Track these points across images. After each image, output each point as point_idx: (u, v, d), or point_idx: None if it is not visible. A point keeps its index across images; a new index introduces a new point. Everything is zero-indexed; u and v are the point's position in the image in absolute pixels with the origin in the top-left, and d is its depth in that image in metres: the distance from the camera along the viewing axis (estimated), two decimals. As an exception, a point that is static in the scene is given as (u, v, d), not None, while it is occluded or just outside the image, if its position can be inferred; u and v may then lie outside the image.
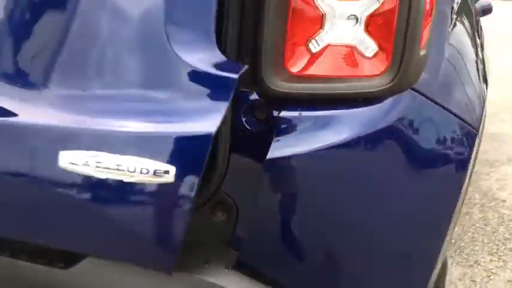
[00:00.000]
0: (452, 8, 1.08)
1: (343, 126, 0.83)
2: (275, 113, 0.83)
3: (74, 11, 0.81)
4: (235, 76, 0.76)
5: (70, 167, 0.77)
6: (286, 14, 0.79)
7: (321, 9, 0.80)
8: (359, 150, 0.84)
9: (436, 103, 0.88)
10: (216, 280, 0.85)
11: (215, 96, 0.78)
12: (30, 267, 0.92)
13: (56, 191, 0.81)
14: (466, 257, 2.26)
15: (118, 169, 0.76)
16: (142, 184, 0.77)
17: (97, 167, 0.76)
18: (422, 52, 0.83)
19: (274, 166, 0.82)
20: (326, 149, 0.81)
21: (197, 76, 0.79)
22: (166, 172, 0.76)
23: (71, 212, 0.83)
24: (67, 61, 0.82)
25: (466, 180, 0.95)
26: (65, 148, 0.77)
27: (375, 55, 0.82)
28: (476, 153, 1.02)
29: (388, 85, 0.81)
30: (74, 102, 0.82)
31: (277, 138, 0.82)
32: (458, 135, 0.92)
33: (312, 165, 0.82)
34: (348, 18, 0.80)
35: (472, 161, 0.96)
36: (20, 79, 0.86)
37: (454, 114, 0.91)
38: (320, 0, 0.79)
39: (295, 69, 0.82)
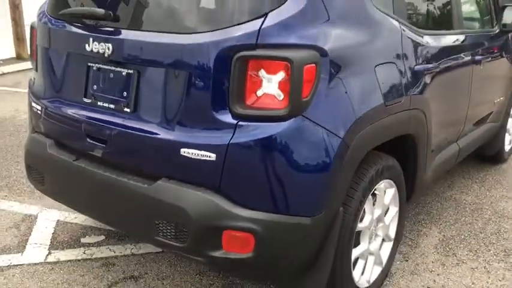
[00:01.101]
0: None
1: (267, 130, 1.84)
2: (240, 122, 1.87)
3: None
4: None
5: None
6: (245, 79, 1.84)
7: (260, 78, 1.83)
8: (273, 140, 1.84)
9: (315, 122, 1.86)
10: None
11: None
12: (123, 180, 2.05)
13: None
14: (447, 250, 3.00)
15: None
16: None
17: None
18: (305, 99, 1.82)
19: (235, 145, 1.86)
20: (257, 139, 1.84)
21: None
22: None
23: None
24: None
25: (334, 159, 1.89)
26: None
27: (282, 99, 1.83)
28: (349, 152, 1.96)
29: (287, 113, 1.82)
30: None
31: (236, 134, 1.86)
32: (326, 140, 1.88)
33: (249, 147, 1.85)
34: (269, 81, 1.82)
35: (338, 154, 1.90)
36: None
37: (325, 128, 1.87)
38: (260, 74, 1.82)
39: (248, 103, 1.86)
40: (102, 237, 3.01)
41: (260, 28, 1.81)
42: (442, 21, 2.97)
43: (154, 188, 1.99)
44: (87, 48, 2.15)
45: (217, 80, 1.86)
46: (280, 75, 1.81)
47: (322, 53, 1.86)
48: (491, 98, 3.69)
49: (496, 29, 3.64)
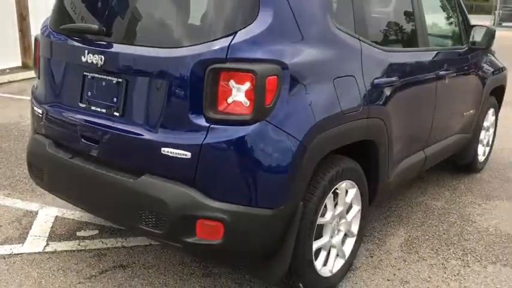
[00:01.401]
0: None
1: (235, 132, 2.14)
2: (212, 125, 2.17)
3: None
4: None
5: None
6: (217, 88, 2.14)
7: (230, 87, 2.13)
8: (240, 142, 2.14)
9: (276, 126, 2.15)
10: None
11: None
12: (112, 176, 2.34)
13: None
14: (411, 248, 3.27)
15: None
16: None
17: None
18: (268, 106, 2.12)
19: (207, 145, 2.16)
20: (226, 140, 2.13)
21: None
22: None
23: None
24: None
25: (293, 159, 2.18)
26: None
27: (248, 106, 2.12)
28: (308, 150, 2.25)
29: (253, 118, 2.11)
30: None
31: (209, 135, 2.15)
32: (286, 142, 2.17)
33: (219, 147, 2.14)
34: (237, 90, 2.12)
35: (297, 155, 2.19)
36: None
37: (286, 132, 2.16)
38: (230, 84, 2.11)
39: (220, 109, 2.16)
40: (96, 232, 3.30)
41: (230, 44, 2.11)
42: (404, 39, 3.28)
43: (139, 183, 2.29)
44: (83, 59, 2.46)
45: (193, 89, 2.16)
46: (247, 85, 2.10)
47: (284, 66, 2.16)
48: (460, 111, 3.97)
49: (465, 47, 3.94)
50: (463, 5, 4.02)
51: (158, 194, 2.23)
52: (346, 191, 2.71)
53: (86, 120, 2.51)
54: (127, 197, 2.34)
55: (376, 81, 2.70)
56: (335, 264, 2.74)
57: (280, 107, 2.17)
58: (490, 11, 38.98)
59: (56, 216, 3.49)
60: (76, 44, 2.55)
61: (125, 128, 2.37)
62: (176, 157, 2.19)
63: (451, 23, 3.98)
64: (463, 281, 2.92)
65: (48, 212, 3.54)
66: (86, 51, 2.45)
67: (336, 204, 2.65)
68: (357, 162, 2.73)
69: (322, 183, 2.44)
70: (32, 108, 2.89)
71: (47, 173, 2.75)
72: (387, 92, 2.81)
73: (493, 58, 4.66)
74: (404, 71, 2.99)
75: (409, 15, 3.24)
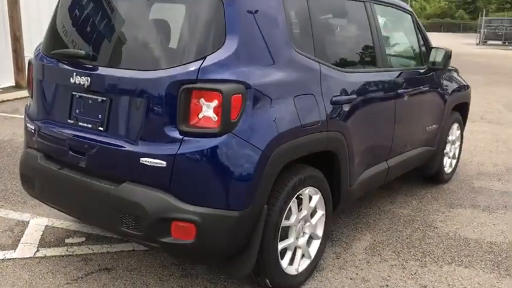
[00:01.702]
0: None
1: (205, 143, 2.43)
2: (184, 138, 2.46)
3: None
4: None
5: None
6: (189, 105, 2.44)
7: (200, 104, 2.43)
8: (209, 152, 2.43)
9: (241, 138, 2.45)
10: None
11: None
12: (96, 183, 2.63)
13: None
14: (375, 251, 3.56)
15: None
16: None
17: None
18: (233, 121, 2.42)
19: (181, 155, 2.45)
20: (197, 150, 2.43)
21: None
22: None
23: None
24: None
25: (256, 167, 2.47)
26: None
27: (216, 120, 2.42)
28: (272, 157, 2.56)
29: (220, 131, 2.41)
30: None
31: (182, 146, 2.45)
32: (249, 152, 2.47)
33: (191, 157, 2.44)
34: (207, 107, 2.42)
35: (260, 163, 2.48)
36: None
37: (249, 143, 2.46)
38: (200, 101, 2.42)
39: (192, 123, 2.46)
40: (83, 239, 3.56)
41: (200, 67, 2.42)
42: (362, 61, 3.61)
43: (120, 189, 2.57)
44: (72, 80, 2.76)
45: (169, 106, 2.46)
46: (215, 102, 2.41)
47: (247, 86, 2.47)
48: (423, 126, 4.30)
49: (426, 67, 4.28)
50: (423, 28, 4.37)
51: (137, 199, 2.51)
52: (310, 197, 3.00)
53: (73, 135, 2.80)
54: (109, 203, 2.61)
55: (334, 98, 3.01)
56: (301, 264, 3.02)
57: (244, 121, 2.47)
58: (476, 29, 39.88)
59: (46, 225, 3.75)
60: (65, 67, 2.85)
61: (108, 141, 2.65)
62: (153, 166, 2.48)
63: (412, 45, 4.33)
64: (419, 279, 3.21)
65: (39, 221, 3.80)
66: (74, 74, 2.75)
67: (300, 209, 2.94)
68: (320, 170, 3.03)
69: (285, 189, 2.73)
70: (25, 124, 3.18)
71: (38, 183, 3.02)
72: (346, 108, 3.12)
73: (456, 76, 5.02)
74: (362, 90, 3.31)
75: (367, 39, 3.57)
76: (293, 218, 2.88)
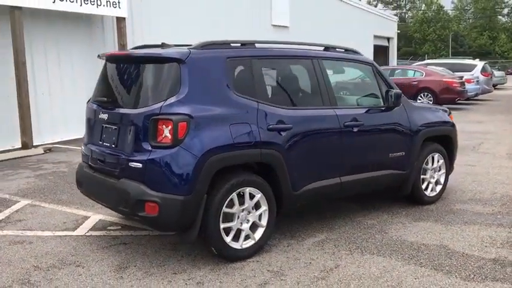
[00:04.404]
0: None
1: (163, 153, 3.92)
2: (153, 149, 3.98)
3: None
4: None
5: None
6: (156, 129, 3.96)
7: (162, 128, 3.94)
8: (166, 158, 3.90)
9: (186, 149, 3.89)
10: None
11: None
12: (108, 180, 4.22)
13: None
14: (320, 244, 4.67)
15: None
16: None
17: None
18: (180, 138, 3.89)
19: (150, 160, 3.95)
20: (159, 157, 3.92)
21: None
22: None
23: None
24: None
25: (194, 168, 3.89)
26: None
27: (171, 138, 3.91)
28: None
29: (172, 144, 3.90)
30: None
31: (151, 154, 3.96)
32: (191, 158, 3.88)
33: (155, 161, 3.92)
34: (166, 130, 3.92)
35: (198, 166, 3.89)
36: None
37: (191, 153, 3.88)
38: (163, 126, 3.92)
39: (158, 140, 3.97)
40: (119, 227, 5.17)
41: (162, 106, 3.95)
42: (305, 101, 4.89)
43: (119, 183, 4.12)
44: (100, 116, 4.45)
45: (145, 130, 4.00)
46: (169, 127, 3.89)
47: (190, 117, 3.92)
48: (384, 152, 5.33)
49: (384, 105, 5.38)
50: (384, 74, 5.48)
51: (126, 188, 4.04)
52: (253, 195, 4.30)
53: (101, 151, 4.45)
54: (114, 191, 4.18)
55: (270, 126, 4.33)
56: (246, 243, 4.29)
57: (189, 139, 3.92)
58: None
59: (100, 219, 5.44)
60: (98, 108, 4.56)
61: (116, 153, 4.25)
62: (136, 167, 4.01)
63: (368, 89, 5.46)
64: (337, 260, 4.29)
65: (97, 217, 5.51)
66: (101, 112, 4.44)
67: (242, 202, 4.25)
68: (262, 176, 4.32)
69: (225, 186, 4.08)
70: (81, 147, 4.94)
71: (84, 183, 4.72)
72: (283, 133, 4.40)
73: (438, 114, 6.00)
74: (300, 121, 4.56)
75: (309, 85, 4.86)
76: (235, 208, 4.20)
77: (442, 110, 6.30)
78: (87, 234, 5.01)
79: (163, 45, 4.65)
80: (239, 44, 4.55)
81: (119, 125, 4.29)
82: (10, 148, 10.01)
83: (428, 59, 44.23)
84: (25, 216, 5.61)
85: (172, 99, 3.97)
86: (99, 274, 4.06)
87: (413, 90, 17.96)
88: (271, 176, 4.41)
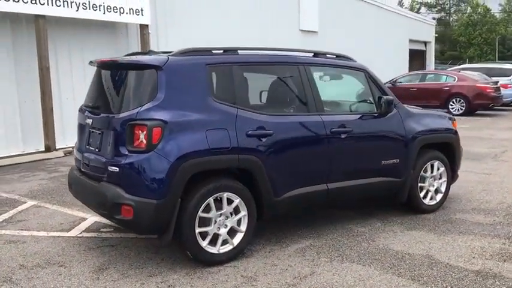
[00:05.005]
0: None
1: (139, 157, 4.01)
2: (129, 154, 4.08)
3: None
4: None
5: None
6: (133, 133, 4.06)
7: (138, 133, 4.04)
8: (141, 162, 4.00)
9: (160, 154, 3.97)
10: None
11: None
12: (91, 183, 4.35)
13: None
14: (302, 250, 4.65)
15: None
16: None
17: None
18: (155, 144, 3.97)
19: (126, 164, 4.05)
20: (134, 161, 4.02)
21: None
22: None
23: None
24: None
25: (168, 172, 3.95)
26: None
27: (145, 143, 4.00)
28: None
29: (147, 149, 3.98)
30: None
31: (127, 158, 4.06)
32: (165, 163, 3.95)
33: (131, 165, 4.02)
34: (142, 135, 4.02)
35: (172, 170, 3.95)
36: None
37: (165, 158, 3.96)
38: (139, 131, 4.02)
39: (134, 144, 4.07)
40: (112, 229, 5.30)
41: (138, 111, 4.05)
42: (289, 107, 4.86)
43: (99, 186, 4.24)
44: (87, 121, 4.59)
45: (123, 134, 4.10)
46: (144, 132, 3.98)
47: (165, 122, 4.00)
48: (376, 159, 5.25)
49: (376, 111, 5.30)
50: (378, 81, 5.41)
51: (105, 191, 4.15)
52: (231, 200, 4.33)
53: (87, 155, 4.59)
54: (95, 194, 4.30)
55: (249, 132, 4.35)
56: (223, 248, 4.32)
57: (163, 144, 3.99)
58: None
59: (95, 221, 5.60)
60: (86, 113, 4.71)
61: (98, 158, 4.38)
62: (113, 171, 4.12)
63: (361, 95, 5.39)
64: (314, 267, 4.26)
65: (93, 219, 5.66)
66: (87, 117, 4.59)
67: (220, 207, 4.28)
68: (242, 182, 4.35)
69: (201, 191, 4.13)
70: (74, 151, 5.10)
71: (73, 185, 4.88)
72: (263, 139, 4.42)
73: (441, 120, 5.88)
74: (282, 127, 4.56)
75: (293, 92, 4.86)
76: (211, 213, 4.24)
77: (445, 116, 6.16)
78: (79, 235, 5.16)
79: (149, 52, 4.76)
80: (221, 51, 4.60)
81: (102, 129, 4.41)
82: (34, 151, 10.39)
83: (473, 63, 42.94)
84: (27, 217, 5.84)
85: (148, 105, 4.06)
86: (77, 274, 4.18)
87: (445, 96, 17.52)
88: (252, 182, 4.43)
